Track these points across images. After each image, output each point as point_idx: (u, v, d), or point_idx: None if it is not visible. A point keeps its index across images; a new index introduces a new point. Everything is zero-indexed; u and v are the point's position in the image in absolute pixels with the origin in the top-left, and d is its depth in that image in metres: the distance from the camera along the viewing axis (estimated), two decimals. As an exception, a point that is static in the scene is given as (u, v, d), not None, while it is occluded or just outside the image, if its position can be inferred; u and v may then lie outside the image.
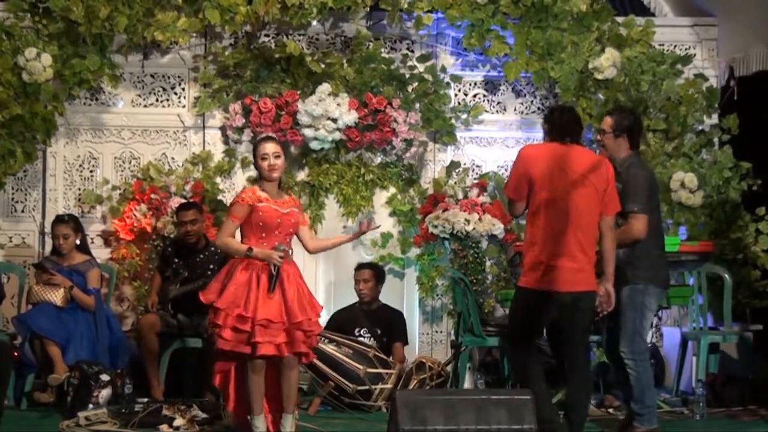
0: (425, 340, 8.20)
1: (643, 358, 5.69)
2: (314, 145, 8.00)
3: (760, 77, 8.03)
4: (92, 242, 7.83)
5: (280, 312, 5.39)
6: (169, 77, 8.28)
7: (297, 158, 8.15)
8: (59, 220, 7.21)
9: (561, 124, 5.45)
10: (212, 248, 7.34)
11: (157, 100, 8.28)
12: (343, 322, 7.54)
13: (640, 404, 5.69)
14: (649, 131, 7.86)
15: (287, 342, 5.42)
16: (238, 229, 5.58)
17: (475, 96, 8.39)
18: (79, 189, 8.20)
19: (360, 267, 7.70)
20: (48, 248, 7.78)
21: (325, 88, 7.91)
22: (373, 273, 7.62)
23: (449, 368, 7.25)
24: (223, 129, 8.20)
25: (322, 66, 8.01)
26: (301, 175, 8.19)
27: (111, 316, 7.24)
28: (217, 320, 5.44)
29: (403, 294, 8.20)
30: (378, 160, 8.19)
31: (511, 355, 5.99)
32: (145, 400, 6.49)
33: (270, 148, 5.59)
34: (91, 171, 8.23)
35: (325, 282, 8.19)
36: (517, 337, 5.51)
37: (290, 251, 5.58)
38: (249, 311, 5.37)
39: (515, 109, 8.39)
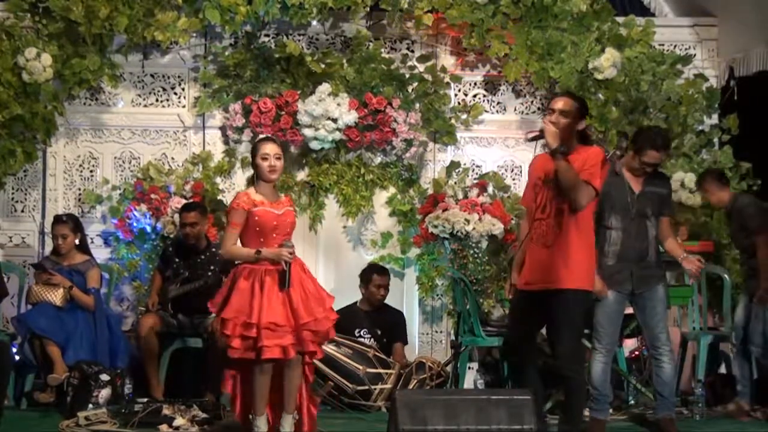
0: (425, 340, 8.20)
1: None
2: (314, 145, 8.00)
3: (760, 77, 8.02)
4: (92, 242, 7.83)
5: (286, 314, 5.38)
6: (169, 77, 8.28)
7: (297, 158, 8.14)
8: (58, 220, 7.21)
9: None
10: (213, 249, 7.34)
11: (157, 100, 8.28)
12: (342, 323, 7.50)
13: (673, 393, 5.96)
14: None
15: (293, 343, 5.40)
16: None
17: (475, 96, 8.38)
18: (79, 189, 8.20)
19: (382, 272, 7.65)
20: (48, 248, 7.79)
21: (325, 88, 7.91)
22: (389, 279, 7.63)
23: (449, 368, 7.25)
24: (223, 129, 8.20)
25: (322, 66, 8.01)
26: (301, 175, 8.18)
27: (111, 316, 7.24)
28: (226, 331, 5.43)
29: (403, 294, 8.20)
30: (378, 160, 8.19)
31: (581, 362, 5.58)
32: (145, 400, 6.49)
33: (271, 148, 5.61)
34: (91, 171, 8.23)
35: (325, 283, 8.16)
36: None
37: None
38: (254, 317, 5.35)
39: (515, 109, 8.39)
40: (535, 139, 5.36)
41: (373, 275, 7.61)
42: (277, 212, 5.54)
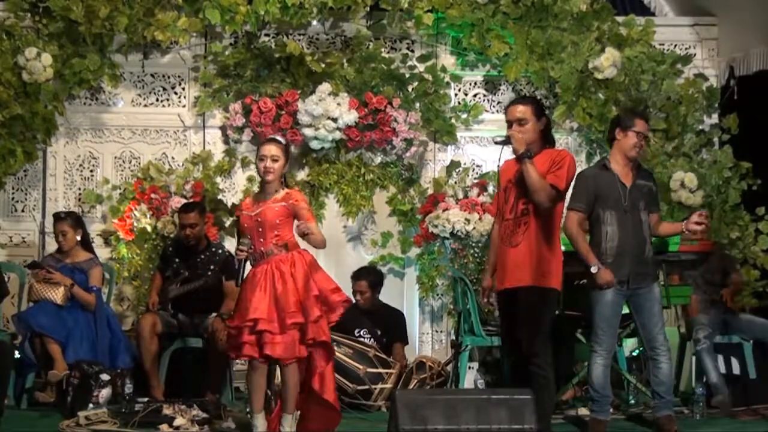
0: (425, 340, 8.20)
1: None
2: (314, 144, 8.00)
3: (760, 77, 8.03)
4: (92, 242, 7.81)
5: (270, 312, 5.39)
6: (169, 77, 8.28)
7: (297, 158, 8.14)
8: (57, 217, 7.21)
9: None
10: (213, 249, 7.34)
11: (157, 100, 8.28)
12: (343, 323, 7.48)
13: (671, 392, 5.95)
14: (649, 131, 7.86)
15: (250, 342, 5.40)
16: None
17: (475, 96, 8.39)
18: (79, 189, 8.20)
19: (356, 277, 7.60)
20: (48, 248, 7.79)
21: (325, 87, 7.91)
22: (368, 284, 7.57)
23: (449, 368, 7.25)
24: (223, 129, 8.20)
25: (322, 66, 8.01)
26: (301, 175, 8.19)
27: (111, 315, 7.23)
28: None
29: (403, 294, 8.20)
30: (378, 159, 8.18)
31: None
32: (145, 399, 6.49)
33: (268, 150, 5.60)
34: (91, 171, 8.23)
35: (325, 282, 8.19)
36: None
37: (265, 250, 5.52)
38: (243, 317, 5.46)
39: (515, 109, 8.38)
40: (502, 143, 5.47)
41: (352, 281, 7.58)
42: (251, 213, 5.56)
